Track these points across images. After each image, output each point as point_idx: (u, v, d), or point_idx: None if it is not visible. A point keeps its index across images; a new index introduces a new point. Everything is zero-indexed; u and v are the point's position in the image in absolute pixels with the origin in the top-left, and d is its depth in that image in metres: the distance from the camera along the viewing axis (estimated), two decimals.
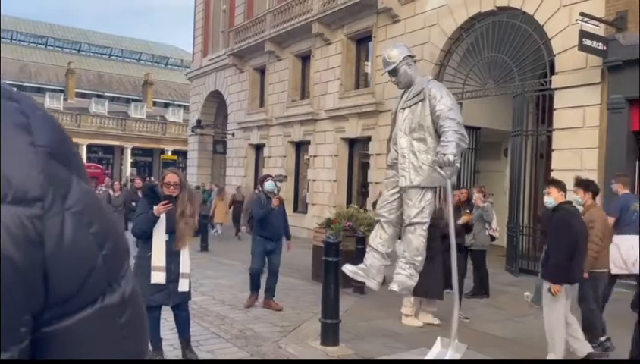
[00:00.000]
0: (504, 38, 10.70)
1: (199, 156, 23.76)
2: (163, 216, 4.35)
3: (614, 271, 5.78)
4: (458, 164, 3.72)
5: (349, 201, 14.58)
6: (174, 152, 36.40)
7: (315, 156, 16.05)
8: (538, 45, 10.13)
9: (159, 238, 4.40)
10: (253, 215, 7.06)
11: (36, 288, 0.50)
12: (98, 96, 39.87)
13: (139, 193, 9.55)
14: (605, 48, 8.73)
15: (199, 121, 22.54)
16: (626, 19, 8.73)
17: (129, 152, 37.13)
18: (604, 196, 9.02)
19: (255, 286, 6.91)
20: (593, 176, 9.18)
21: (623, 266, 5.87)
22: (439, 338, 3.70)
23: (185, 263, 4.50)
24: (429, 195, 3.93)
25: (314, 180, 16.00)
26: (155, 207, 4.28)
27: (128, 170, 36.54)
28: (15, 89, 0.57)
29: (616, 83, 8.87)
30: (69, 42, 44.71)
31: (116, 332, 0.56)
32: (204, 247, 12.03)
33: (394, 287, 4.03)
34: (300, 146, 17.29)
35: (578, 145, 9.44)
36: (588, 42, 8.62)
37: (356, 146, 15.19)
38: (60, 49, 43.48)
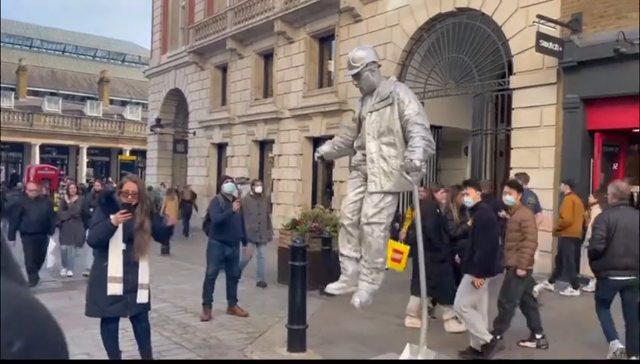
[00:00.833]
0: (464, 38, 10.85)
1: (159, 156, 23.20)
2: (120, 225, 4.16)
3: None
4: (424, 170, 3.71)
5: (314, 200, 14.53)
6: (133, 152, 35.46)
7: (279, 155, 15.91)
8: (497, 46, 10.32)
9: (116, 247, 4.21)
10: (211, 219, 6.75)
11: None
12: (52, 94, 38.40)
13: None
14: (561, 49, 8.95)
15: (158, 120, 22.01)
16: (581, 21, 8.98)
17: (85, 152, 35.95)
18: (560, 193, 9.28)
19: (209, 297, 6.53)
20: (549, 173, 9.45)
21: None
22: (408, 345, 3.68)
23: (144, 273, 4.32)
24: (390, 197, 3.89)
25: (278, 180, 15.87)
26: (112, 216, 4.09)
27: (84, 170, 35.40)
28: None
29: (571, 83, 9.12)
30: (20, 37, 42.89)
31: None
32: (165, 250, 11.72)
33: (355, 301, 3.96)
34: (264, 145, 17.12)
35: (535, 144, 9.67)
36: (544, 44, 8.82)
37: (321, 145, 15.09)
38: (10, 45, 41.61)
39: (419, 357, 3.42)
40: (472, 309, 5.09)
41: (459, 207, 6.50)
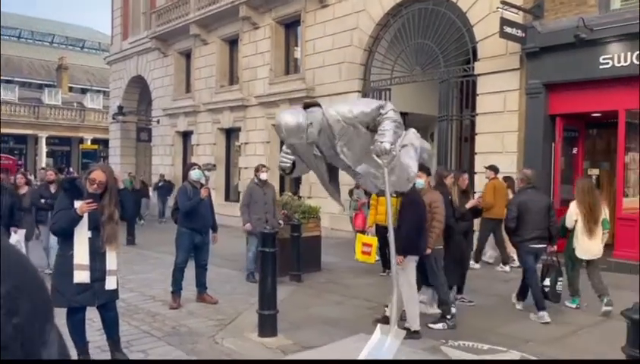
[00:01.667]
0: (429, 25, 10.94)
1: (122, 145, 22.63)
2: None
3: None
4: (394, 153, 3.74)
5: (282, 188, 14.47)
6: (94, 141, 34.46)
7: (246, 143, 15.76)
8: (462, 32, 10.44)
9: (82, 235, 4.10)
10: (179, 207, 6.63)
11: None
12: (7, 82, 36.81)
13: (52, 188, 8.19)
14: (524, 35, 9.14)
15: (120, 108, 21.42)
16: (543, 7, 9.18)
17: (44, 141, 34.75)
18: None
19: (177, 285, 6.44)
20: (513, 158, 9.68)
21: None
22: (379, 325, 3.73)
23: (111, 260, 4.22)
24: None
25: (246, 168, 15.72)
26: (77, 203, 3.97)
27: (44, 160, 34.23)
28: None
29: (533, 68, 9.33)
30: None
31: None
32: (130, 240, 11.50)
33: None
34: (231, 133, 16.91)
35: (499, 129, 9.88)
36: (508, 30, 8.98)
37: None
38: None
39: (389, 337, 3.47)
40: (410, 289, 5.18)
41: (460, 190, 6.53)
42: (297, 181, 14.30)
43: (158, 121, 19.94)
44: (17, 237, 8.75)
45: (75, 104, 37.16)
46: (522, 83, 9.54)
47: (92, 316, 4.57)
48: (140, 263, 9.39)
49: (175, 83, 18.94)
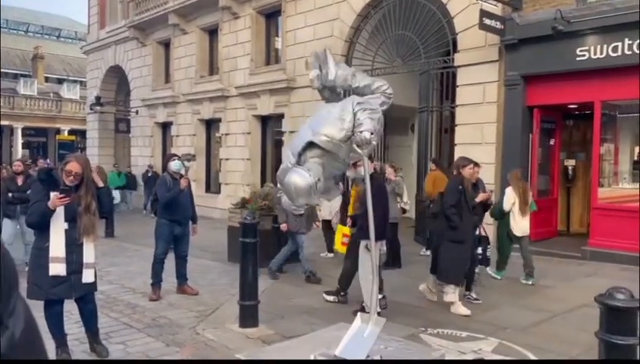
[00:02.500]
0: (410, 16, 10.95)
1: (100, 136, 22.27)
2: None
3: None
4: (374, 143, 3.75)
5: (263, 179, 14.44)
6: (72, 132, 33.86)
7: (226, 134, 15.64)
8: (442, 24, 10.48)
9: (58, 227, 4.03)
10: (159, 198, 6.57)
11: None
12: None
13: (19, 180, 7.89)
14: (503, 27, 9.21)
15: (98, 98, 21.07)
16: None
17: (19, 132, 34.04)
18: (502, 168, 9.66)
19: (157, 277, 6.41)
20: (492, 149, 9.79)
21: None
22: (359, 314, 3.75)
23: (89, 252, 4.17)
24: None
25: (226, 159, 15.63)
26: (52, 194, 3.91)
27: (19, 152, 33.54)
28: None
29: (512, 60, 9.42)
30: None
31: None
32: (109, 233, 11.37)
33: None
34: (211, 124, 16.77)
35: (478, 120, 9.97)
36: (487, 21, 9.04)
37: (269, 124, 14.99)
38: None
39: (369, 325, 3.50)
40: (368, 271, 5.23)
41: (471, 183, 6.30)
42: None
43: (136, 112, 19.67)
44: None
45: (51, 94, 36.44)
46: (501, 74, 9.64)
47: (71, 308, 4.51)
48: (119, 255, 9.30)
49: (154, 74, 18.68)
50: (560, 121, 10.48)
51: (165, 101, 17.89)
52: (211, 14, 15.82)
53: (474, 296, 6.22)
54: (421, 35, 10.82)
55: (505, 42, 9.34)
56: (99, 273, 5.15)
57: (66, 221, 4.05)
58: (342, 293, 6.17)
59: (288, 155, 3.87)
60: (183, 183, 6.50)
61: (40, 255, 4.04)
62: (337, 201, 8.45)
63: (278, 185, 4.24)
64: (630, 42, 8.02)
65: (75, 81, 38.60)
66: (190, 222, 6.76)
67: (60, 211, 4.00)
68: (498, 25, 9.16)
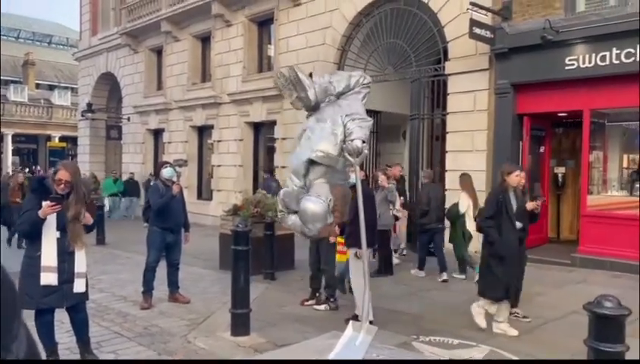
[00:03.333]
0: (401, 24, 11.05)
1: (91, 143, 22.17)
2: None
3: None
4: (366, 151, 3.78)
5: (255, 186, 14.43)
6: (63, 139, 33.67)
7: (219, 141, 15.64)
8: (433, 33, 10.58)
9: (50, 236, 4.02)
10: (151, 205, 6.56)
11: None
12: None
13: None
14: (492, 36, 9.32)
15: (89, 105, 21.00)
16: (511, 9, 9.38)
17: (9, 139, 33.77)
18: (493, 175, 9.73)
19: (149, 285, 6.37)
20: (482, 156, 9.87)
21: None
22: (351, 322, 3.77)
23: (80, 262, 4.16)
24: None
25: (219, 166, 15.62)
26: (43, 203, 3.90)
27: (10, 159, 33.29)
28: None
29: (502, 69, 9.53)
30: None
31: None
32: (100, 240, 11.30)
33: None
34: (203, 131, 16.75)
35: (469, 128, 10.05)
36: (477, 31, 9.14)
37: (262, 130, 15.02)
38: None
39: (361, 333, 3.52)
40: (361, 278, 5.30)
41: (521, 190, 5.51)
42: None
43: (128, 119, 19.61)
44: None
45: (42, 101, 36.22)
46: (491, 82, 9.73)
47: (62, 318, 4.49)
48: (111, 263, 9.25)
49: (146, 80, 18.65)
50: (549, 129, 10.58)
51: (157, 108, 17.86)
52: (203, 21, 15.85)
53: (521, 313, 5.72)
54: (413, 43, 10.91)
55: (495, 51, 9.44)
56: (91, 281, 5.12)
57: (58, 229, 4.03)
58: (331, 300, 6.26)
59: (291, 178, 3.94)
60: (175, 189, 6.49)
61: (31, 264, 4.02)
62: None
63: (280, 206, 4.23)
64: (618, 51, 8.13)
65: (66, 88, 38.43)
66: (183, 230, 6.75)
67: (52, 220, 3.99)
68: (488, 34, 9.26)
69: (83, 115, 21.66)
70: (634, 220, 8.14)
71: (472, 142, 9.97)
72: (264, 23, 14.77)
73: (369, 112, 6.49)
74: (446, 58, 10.43)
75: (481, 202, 7.14)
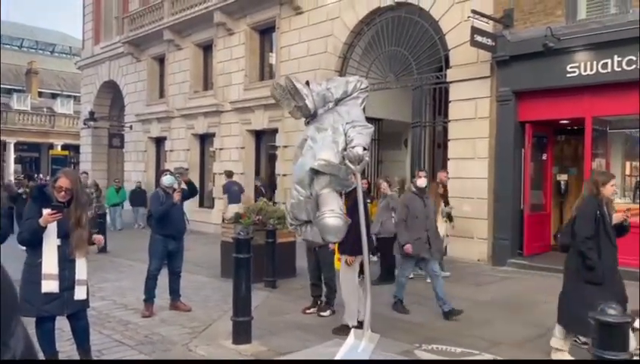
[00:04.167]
0: (403, 33, 11.09)
1: (94, 151, 22.24)
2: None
3: None
4: (367, 159, 3.78)
5: (257, 194, 14.41)
6: (65, 147, 33.77)
7: (220, 149, 15.66)
8: (434, 40, 10.62)
9: (50, 243, 4.01)
10: (152, 213, 6.56)
11: None
12: None
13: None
14: (494, 43, 9.34)
15: (92, 113, 21.07)
16: (512, 16, 9.41)
17: (12, 147, 33.89)
18: (495, 182, 9.72)
19: (150, 293, 6.34)
20: (484, 164, 9.86)
21: None
22: (352, 330, 3.75)
23: (81, 269, 4.14)
24: None
25: (220, 174, 15.62)
26: (44, 211, 3.89)
27: (12, 167, 33.40)
28: None
29: (503, 76, 9.54)
30: None
31: None
32: (101, 248, 11.24)
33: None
34: (205, 139, 16.79)
35: (471, 135, 10.05)
36: (478, 38, 9.17)
37: (263, 138, 15.04)
38: None
39: (363, 341, 3.50)
40: (353, 287, 5.54)
41: (605, 200, 4.64)
42: (273, 187, 14.28)
43: (130, 127, 19.67)
44: None
45: (45, 109, 36.39)
46: (493, 90, 9.74)
47: (62, 325, 4.47)
48: (113, 271, 9.24)
49: (148, 89, 18.72)
50: (551, 136, 10.57)
51: (159, 117, 17.92)
52: (205, 30, 15.93)
53: (582, 339, 4.97)
54: (414, 51, 10.95)
55: (496, 59, 9.46)
56: (92, 290, 5.10)
57: (58, 237, 4.03)
58: (330, 305, 6.37)
59: (296, 188, 3.95)
60: (175, 196, 6.49)
61: (32, 271, 4.01)
62: None
63: (289, 218, 4.24)
64: (619, 58, 8.14)
65: (69, 96, 38.62)
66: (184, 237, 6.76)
67: (52, 228, 3.98)
68: (489, 42, 9.28)
69: (85, 123, 21.73)
70: (636, 227, 8.10)
71: (474, 149, 9.97)
72: (266, 32, 14.84)
73: (371, 120, 6.54)
74: (447, 66, 10.45)
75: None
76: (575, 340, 5.01)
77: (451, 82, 10.31)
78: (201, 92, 16.66)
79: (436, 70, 10.94)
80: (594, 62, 8.42)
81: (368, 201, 7.58)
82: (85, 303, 4.28)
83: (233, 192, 11.92)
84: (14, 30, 44.17)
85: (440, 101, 10.74)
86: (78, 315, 4.28)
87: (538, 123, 9.70)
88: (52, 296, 4.01)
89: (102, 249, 11.12)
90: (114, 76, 20.57)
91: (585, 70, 8.51)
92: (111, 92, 21.53)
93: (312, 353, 4.34)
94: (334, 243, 5.13)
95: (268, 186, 13.73)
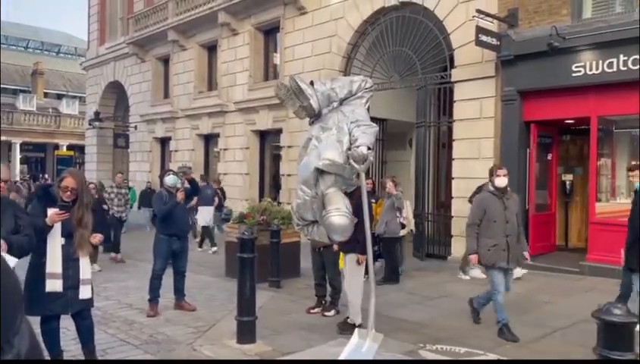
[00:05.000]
0: (407, 32, 11.07)
1: (99, 151, 22.33)
2: None
3: None
4: (372, 158, 3.78)
5: (261, 194, 14.45)
6: (70, 147, 33.91)
7: (225, 149, 15.69)
8: (439, 40, 10.59)
9: (54, 242, 4.03)
10: (156, 213, 6.61)
11: None
12: None
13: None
14: (499, 43, 9.30)
15: (97, 114, 21.17)
16: (517, 16, 9.37)
17: (17, 147, 34.06)
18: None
19: (155, 292, 6.34)
20: (489, 164, 9.80)
21: None
22: (356, 329, 3.75)
23: (85, 268, 4.16)
24: None
25: (225, 174, 15.65)
26: (49, 211, 3.91)
27: (17, 167, 33.55)
28: None
29: (508, 76, 9.50)
30: None
31: None
32: (107, 248, 11.28)
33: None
34: (209, 139, 16.83)
35: (476, 135, 10.02)
36: (483, 38, 9.13)
37: (268, 138, 15.06)
38: None
39: (367, 341, 3.49)
40: (358, 286, 5.52)
41: None
42: (277, 187, 14.30)
43: (135, 127, 19.73)
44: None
45: (50, 109, 36.55)
46: (498, 90, 9.71)
47: (67, 325, 4.49)
48: (117, 270, 9.26)
49: (153, 89, 18.78)
50: (556, 136, 10.53)
51: (164, 117, 17.97)
52: (210, 30, 15.97)
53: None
54: (419, 51, 10.92)
55: (501, 58, 9.43)
56: (97, 289, 5.12)
57: (63, 236, 4.04)
58: (335, 305, 6.37)
59: (302, 188, 3.96)
60: (179, 195, 6.51)
61: (36, 270, 4.03)
62: None
63: (295, 218, 4.24)
64: (625, 58, 8.09)
65: (74, 97, 38.75)
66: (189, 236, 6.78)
67: (57, 227, 4.00)
68: (494, 41, 9.25)
69: (90, 124, 21.83)
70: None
71: (479, 149, 9.94)
72: (270, 32, 14.86)
73: (375, 120, 6.53)
74: (452, 66, 10.42)
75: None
76: None
77: (456, 82, 10.29)
78: (205, 92, 16.69)
79: (440, 69, 10.91)
80: (600, 61, 8.38)
81: (373, 201, 7.55)
82: (89, 302, 4.29)
83: (208, 196, 11.82)
84: (20, 31, 44.41)
85: (444, 101, 10.71)
86: (83, 314, 4.29)
87: (543, 123, 9.66)
88: (56, 295, 4.03)
89: (107, 249, 11.13)
90: (119, 76, 20.65)
91: (591, 70, 8.46)
92: (116, 92, 21.61)
93: (316, 353, 4.34)
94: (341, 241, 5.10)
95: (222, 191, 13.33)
